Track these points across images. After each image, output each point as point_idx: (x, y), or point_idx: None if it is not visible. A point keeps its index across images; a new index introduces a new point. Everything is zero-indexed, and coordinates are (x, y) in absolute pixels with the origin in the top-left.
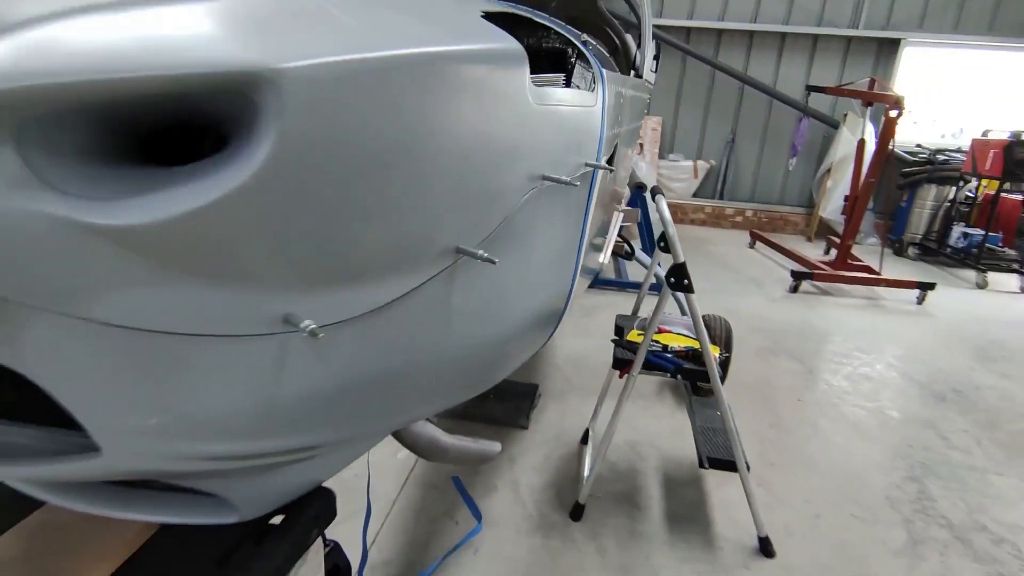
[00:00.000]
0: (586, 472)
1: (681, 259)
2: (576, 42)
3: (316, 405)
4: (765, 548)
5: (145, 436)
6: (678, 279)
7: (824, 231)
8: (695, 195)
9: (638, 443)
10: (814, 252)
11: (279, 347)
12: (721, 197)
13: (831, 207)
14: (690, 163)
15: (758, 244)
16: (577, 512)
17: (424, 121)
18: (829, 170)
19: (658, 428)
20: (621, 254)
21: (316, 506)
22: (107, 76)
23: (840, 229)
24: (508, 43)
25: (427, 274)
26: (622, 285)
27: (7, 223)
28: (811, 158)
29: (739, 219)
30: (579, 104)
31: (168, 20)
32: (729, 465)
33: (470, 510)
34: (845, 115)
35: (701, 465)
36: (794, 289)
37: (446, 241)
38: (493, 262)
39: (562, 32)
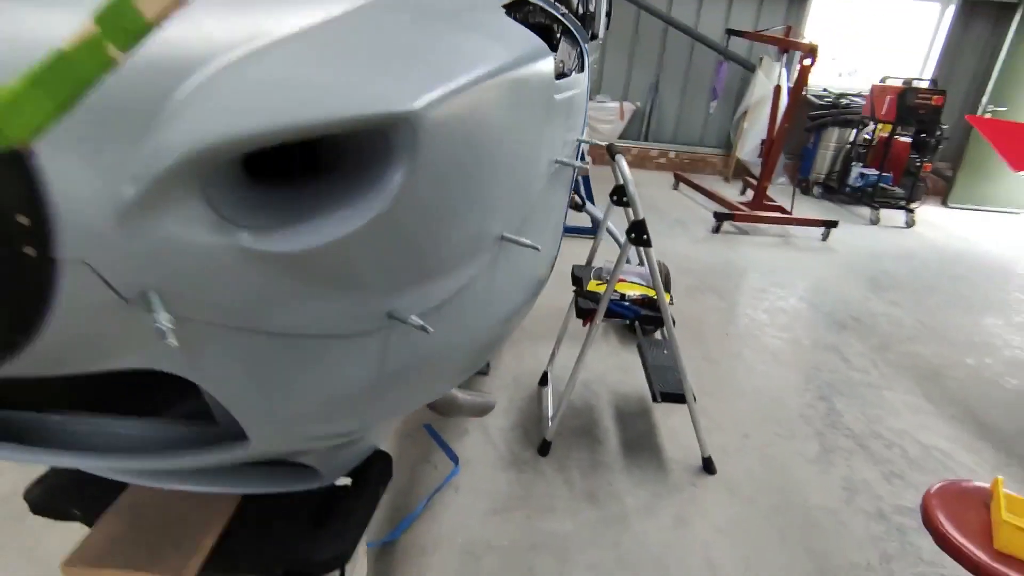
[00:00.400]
0: (550, 412)
1: (641, 216)
2: (560, 16)
3: (397, 385)
4: (708, 466)
5: (286, 424)
6: (638, 234)
7: (740, 172)
8: (621, 137)
9: (591, 382)
10: (731, 192)
11: (382, 340)
12: (646, 139)
13: (747, 148)
14: (616, 105)
15: (681, 185)
16: (544, 448)
17: (499, 131)
18: (746, 112)
19: (606, 367)
20: (571, 205)
21: (378, 467)
22: (281, 125)
23: (755, 170)
24: (540, 44)
25: (482, 263)
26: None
27: (196, 256)
28: (729, 101)
29: (663, 160)
30: (576, 88)
31: (316, 69)
32: (679, 398)
33: (446, 454)
34: (761, 59)
35: (655, 399)
36: (716, 229)
37: (498, 232)
38: (537, 249)
39: (548, 8)
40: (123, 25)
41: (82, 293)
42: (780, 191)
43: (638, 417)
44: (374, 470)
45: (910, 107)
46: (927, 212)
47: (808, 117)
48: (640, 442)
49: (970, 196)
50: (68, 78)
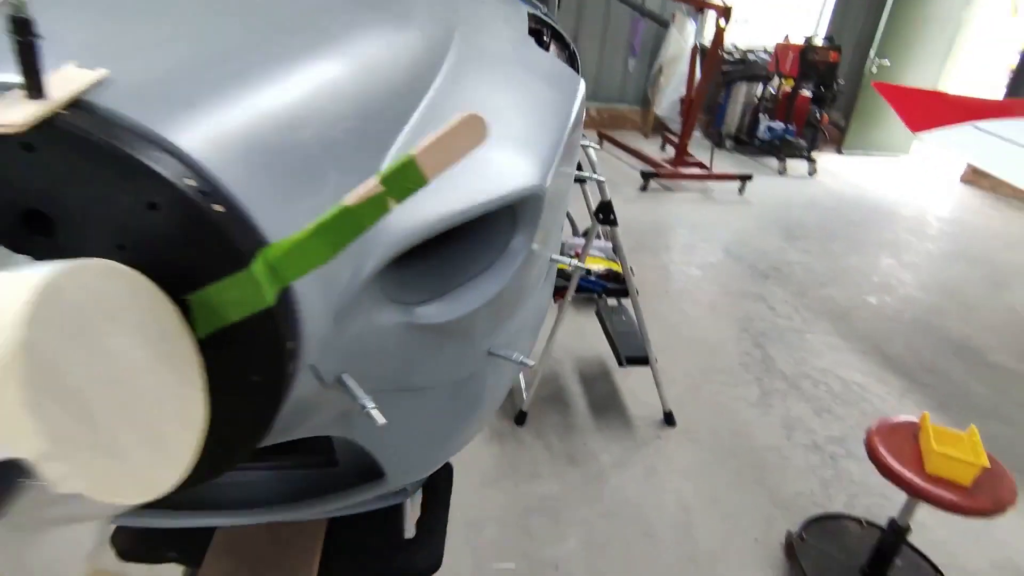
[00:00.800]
0: (522, 383)
1: (608, 197)
2: (551, 21)
3: (485, 409)
4: (669, 419)
5: (416, 461)
6: (605, 214)
7: (659, 128)
8: None
9: (553, 349)
10: (652, 148)
11: (481, 375)
12: None
13: (664, 104)
14: None
15: (605, 143)
16: (521, 418)
17: (569, 170)
18: (661, 68)
19: (565, 333)
20: None
21: (443, 474)
22: (451, 215)
23: (672, 126)
24: (572, 72)
25: (540, 284)
26: None
27: (374, 337)
28: (646, 57)
29: (585, 118)
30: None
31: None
32: (643, 361)
33: None
34: (673, 15)
35: (620, 364)
36: (644, 188)
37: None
38: (582, 268)
39: (541, 16)
40: (406, 183)
41: (301, 387)
42: (696, 145)
43: (600, 379)
44: (440, 477)
45: (811, 63)
46: (825, 160)
47: (721, 73)
48: (605, 403)
49: (860, 143)
50: (347, 228)
